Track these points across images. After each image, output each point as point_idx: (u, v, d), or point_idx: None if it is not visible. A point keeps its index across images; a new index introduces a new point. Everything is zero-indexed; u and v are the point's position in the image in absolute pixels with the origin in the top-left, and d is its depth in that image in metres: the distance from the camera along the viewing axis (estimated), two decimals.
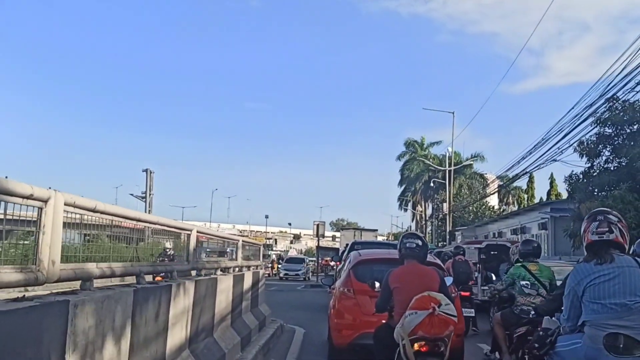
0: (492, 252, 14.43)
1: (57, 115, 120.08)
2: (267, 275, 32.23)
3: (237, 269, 8.47)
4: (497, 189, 38.18)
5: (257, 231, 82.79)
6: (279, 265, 37.57)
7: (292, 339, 9.57)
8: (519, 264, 6.47)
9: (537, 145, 19.11)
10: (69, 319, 2.66)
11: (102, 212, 3.45)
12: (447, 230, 36.99)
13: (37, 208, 2.69)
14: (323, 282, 13.57)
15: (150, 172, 30.60)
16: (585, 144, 15.69)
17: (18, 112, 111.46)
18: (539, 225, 26.26)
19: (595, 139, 15.61)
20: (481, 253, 15.61)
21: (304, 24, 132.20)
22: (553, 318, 3.91)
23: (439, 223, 45.90)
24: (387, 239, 51.37)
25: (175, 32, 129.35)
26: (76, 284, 3.20)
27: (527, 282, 6.14)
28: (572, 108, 16.10)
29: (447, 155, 39.93)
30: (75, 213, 3.10)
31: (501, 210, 44.29)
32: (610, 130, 15.35)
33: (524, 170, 22.24)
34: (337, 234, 52.95)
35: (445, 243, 36.18)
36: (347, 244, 17.97)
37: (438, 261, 7.89)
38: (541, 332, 3.67)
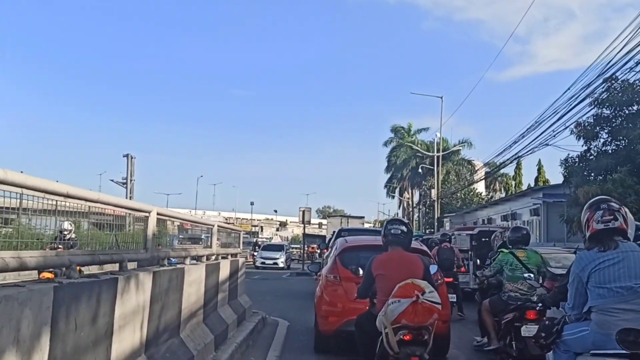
0: (483, 239, 13.91)
1: (37, 99, 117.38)
2: (251, 263, 31.35)
3: (212, 257, 7.65)
4: (484, 177, 37.64)
5: (243, 218, 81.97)
6: (255, 253, 34.21)
7: (275, 333, 8.81)
8: (507, 251, 6.45)
9: (530, 129, 18.44)
10: None
11: (10, 184, 2.60)
12: (436, 217, 36.33)
13: None
14: (309, 269, 13.41)
15: (132, 158, 29.40)
16: (582, 125, 15.04)
17: None
18: (530, 211, 25.60)
19: (592, 120, 14.98)
20: (473, 239, 15.05)
21: (290, 11, 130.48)
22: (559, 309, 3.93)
23: (427, 210, 45.39)
24: (373, 226, 50.96)
25: (161, 18, 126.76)
26: None
27: (531, 275, 5.94)
28: (569, 89, 15.47)
29: (436, 140, 39.24)
30: None
31: (490, 197, 43.82)
32: (608, 112, 14.71)
33: (515, 154, 21.49)
34: (324, 221, 52.44)
35: (432, 230, 35.58)
36: (333, 231, 17.50)
37: (424, 247, 7.83)
38: (547, 322, 3.56)
